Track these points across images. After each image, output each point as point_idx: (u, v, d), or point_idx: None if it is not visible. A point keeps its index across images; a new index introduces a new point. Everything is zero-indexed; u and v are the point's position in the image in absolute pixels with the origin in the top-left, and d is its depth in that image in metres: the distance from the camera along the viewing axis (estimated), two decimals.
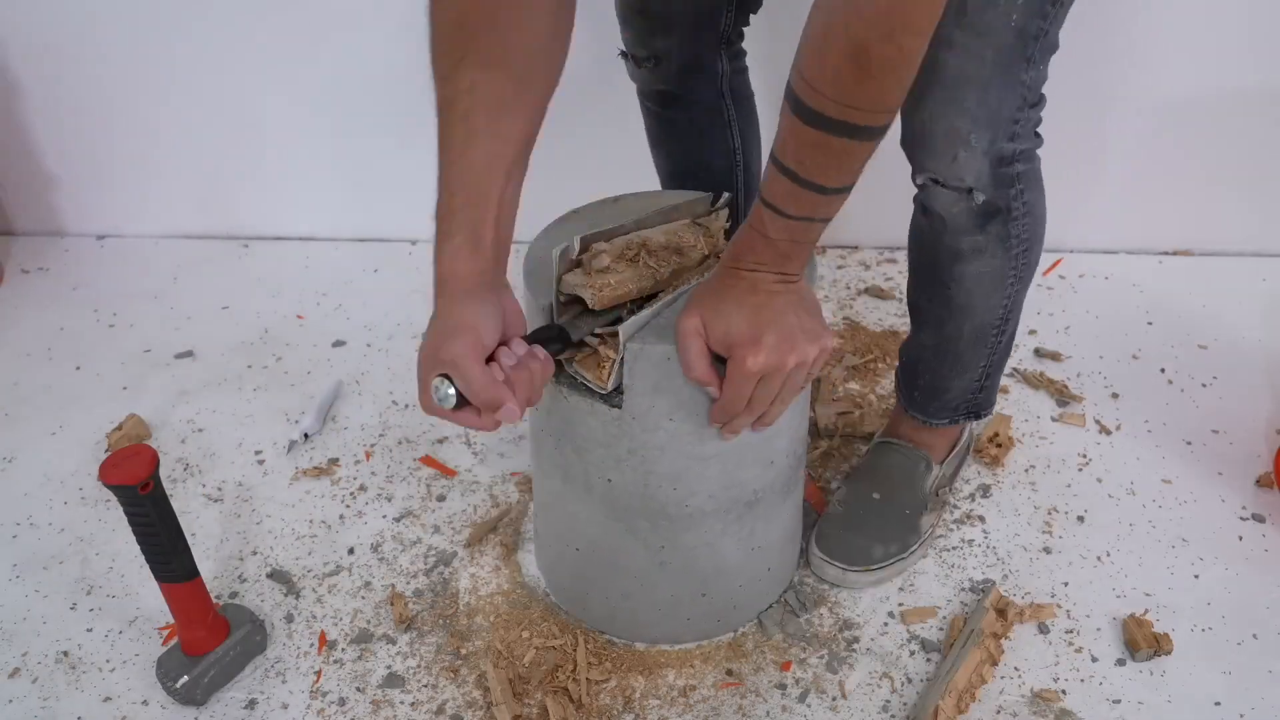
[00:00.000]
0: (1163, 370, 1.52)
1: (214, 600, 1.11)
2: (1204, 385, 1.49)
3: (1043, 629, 1.15)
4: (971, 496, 1.32)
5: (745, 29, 1.31)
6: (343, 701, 1.09)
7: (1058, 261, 1.76)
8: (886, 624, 1.16)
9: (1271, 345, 1.57)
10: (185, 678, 1.07)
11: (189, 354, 1.60)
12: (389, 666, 1.13)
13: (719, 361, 0.92)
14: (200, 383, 1.54)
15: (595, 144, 1.69)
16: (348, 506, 1.33)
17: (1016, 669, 1.11)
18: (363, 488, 1.36)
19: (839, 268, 1.77)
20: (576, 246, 0.97)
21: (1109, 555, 1.24)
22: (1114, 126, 1.67)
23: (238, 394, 1.52)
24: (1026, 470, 1.36)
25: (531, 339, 0.90)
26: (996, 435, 1.37)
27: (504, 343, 0.87)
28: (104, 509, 1.33)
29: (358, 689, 1.11)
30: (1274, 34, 1.56)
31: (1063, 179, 1.72)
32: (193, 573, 1.06)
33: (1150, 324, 1.62)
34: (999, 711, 1.07)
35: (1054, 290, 1.70)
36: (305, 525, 1.30)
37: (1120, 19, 1.57)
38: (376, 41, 1.67)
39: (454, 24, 0.85)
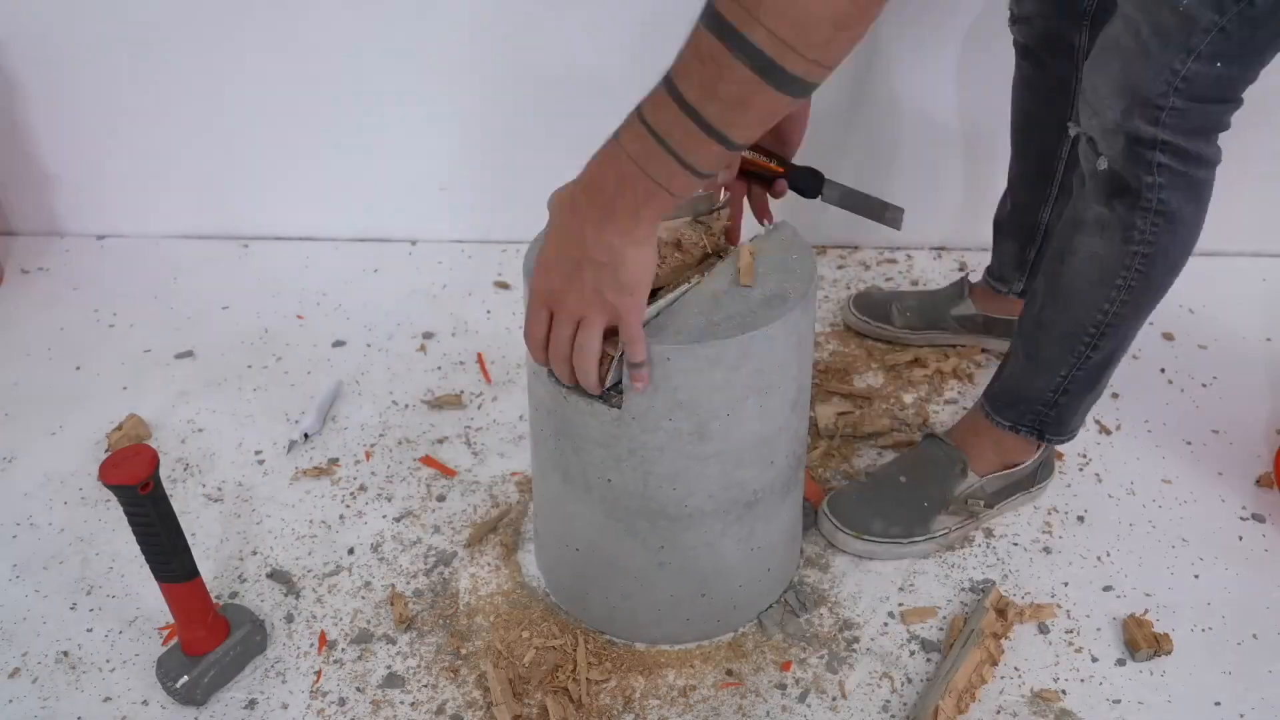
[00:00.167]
0: (1163, 370, 1.52)
1: (214, 600, 1.11)
2: (1204, 385, 1.49)
3: (1043, 629, 1.15)
4: None
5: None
6: (343, 701, 1.09)
7: None
8: (886, 624, 1.16)
9: (1271, 345, 1.57)
10: (185, 678, 1.07)
11: (189, 354, 1.60)
12: (389, 666, 1.13)
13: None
14: (200, 383, 1.54)
15: (595, 143, 1.69)
16: (348, 506, 1.33)
17: (1016, 669, 1.11)
18: (363, 488, 1.36)
19: (839, 268, 1.77)
20: None
21: (1109, 555, 1.24)
22: None
23: (238, 394, 1.52)
24: None
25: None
26: None
27: None
28: (104, 509, 1.33)
29: (358, 689, 1.11)
30: None
31: None
32: (193, 573, 1.06)
33: (1150, 324, 1.61)
34: (999, 711, 1.07)
35: None
36: (305, 525, 1.30)
37: None
38: (377, 41, 1.67)
39: None
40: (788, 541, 1.17)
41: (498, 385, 1.52)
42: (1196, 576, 1.21)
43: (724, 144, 0.74)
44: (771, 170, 1.06)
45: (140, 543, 1.02)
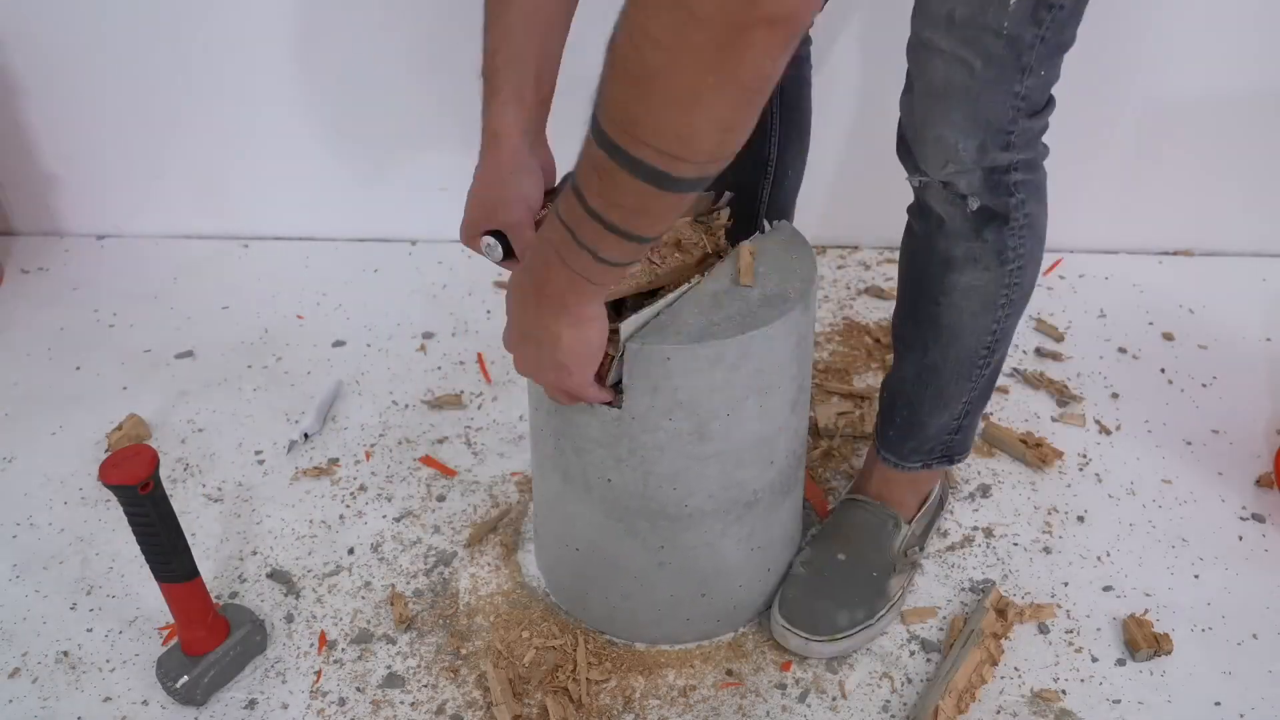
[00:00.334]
0: (1163, 370, 1.52)
1: (214, 600, 1.11)
2: (1204, 385, 1.49)
3: (1043, 629, 1.15)
4: (971, 496, 1.32)
5: (810, 38, 1.27)
6: (343, 701, 1.09)
7: (1058, 261, 1.76)
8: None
9: (1271, 345, 1.57)
10: (185, 678, 1.07)
11: (189, 354, 1.60)
12: (389, 666, 1.13)
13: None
14: (200, 383, 1.54)
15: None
16: (348, 506, 1.33)
17: (1016, 669, 1.11)
18: (363, 488, 1.36)
19: (839, 268, 1.77)
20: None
21: (1109, 555, 1.24)
22: (1114, 126, 1.67)
23: (238, 394, 1.52)
24: (1026, 470, 1.36)
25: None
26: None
27: (545, 205, 0.95)
28: (104, 509, 1.33)
29: (358, 689, 1.11)
30: (1274, 34, 1.56)
31: (1063, 179, 1.72)
32: (193, 573, 1.06)
33: (1150, 324, 1.62)
34: (999, 711, 1.07)
35: (1054, 290, 1.70)
36: (305, 525, 1.30)
37: (1121, 19, 1.57)
38: (377, 41, 1.67)
39: None
40: (788, 541, 1.17)
41: (498, 385, 1.52)
42: (1196, 576, 1.21)
43: (633, 240, 0.75)
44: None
45: (140, 543, 1.02)
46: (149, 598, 1.20)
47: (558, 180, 1.00)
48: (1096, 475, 1.35)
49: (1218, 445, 1.39)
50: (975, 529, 1.27)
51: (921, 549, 1.23)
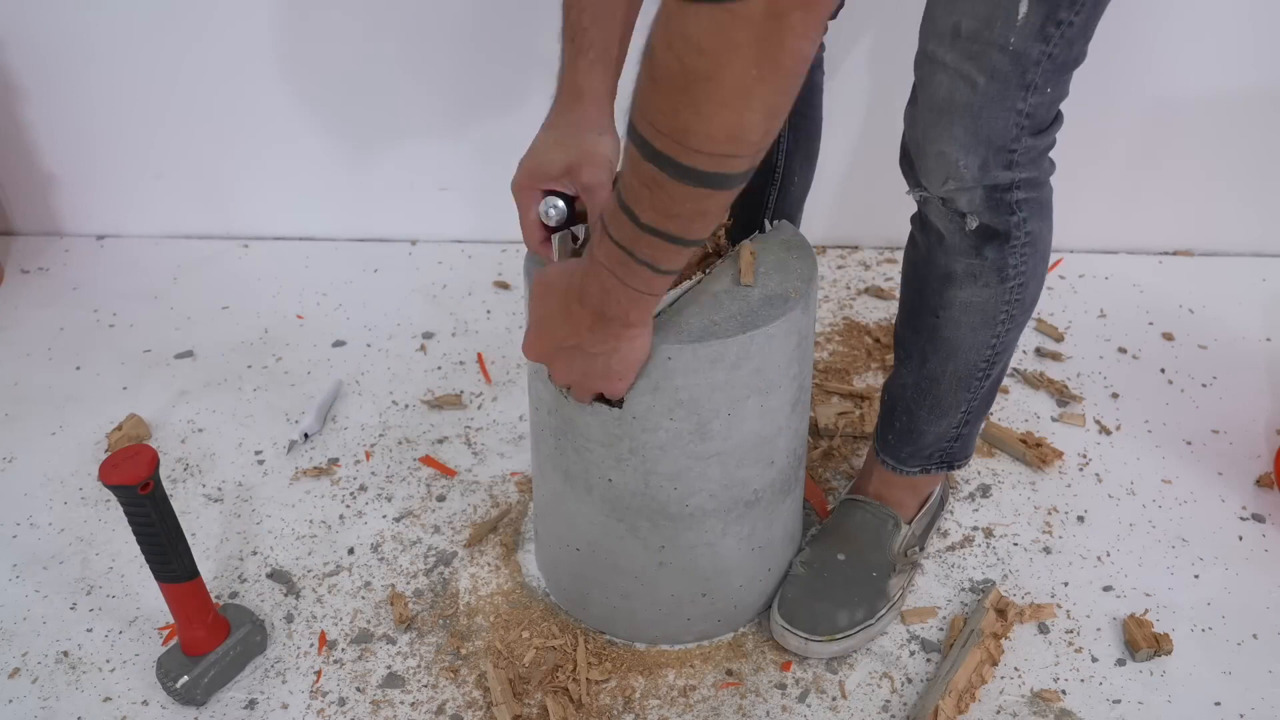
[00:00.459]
0: (1163, 370, 1.52)
1: (214, 600, 1.11)
2: (1204, 385, 1.49)
3: (1043, 629, 1.15)
4: (971, 496, 1.32)
5: (823, 44, 1.25)
6: (343, 702, 1.09)
7: (1058, 261, 1.76)
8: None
9: (1271, 345, 1.57)
10: (185, 678, 1.07)
11: (189, 354, 1.60)
12: (389, 666, 1.13)
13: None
14: (200, 383, 1.54)
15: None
16: (348, 506, 1.33)
17: (1016, 669, 1.11)
18: (363, 488, 1.36)
19: (839, 268, 1.77)
20: (581, 235, 0.97)
21: (1109, 555, 1.24)
22: (1114, 126, 1.67)
23: (238, 394, 1.52)
24: (1026, 470, 1.36)
25: None
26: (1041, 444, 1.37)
27: None
28: (104, 509, 1.33)
29: (358, 689, 1.11)
30: (1274, 34, 1.56)
31: (1063, 179, 1.72)
32: (193, 573, 1.06)
33: (1150, 324, 1.62)
34: (999, 711, 1.07)
35: (1054, 290, 1.70)
36: (305, 525, 1.30)
37: (1120, 19, 1.57)
38: (377, 41, 1.67)
39: None
40: (788, 541, 1.17)
41: (498, 385, 1.52)
42: (1196, 576, 1.21)
43: (691, 244, 0.77)
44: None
45: (140, 543, 1.02)
46: (149, 598, 1.20)
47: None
48: (1096, 475, 1.35)
49: (1218, 445, 1.39)
50: (975, 529, 1.28)
51: (922, 549, 1.23)
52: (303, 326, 1.66)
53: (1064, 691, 1.09)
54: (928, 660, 1.13)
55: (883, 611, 1.14)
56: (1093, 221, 1.76)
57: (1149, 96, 1.64)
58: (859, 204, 1.76)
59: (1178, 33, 1.57)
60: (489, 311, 1.68)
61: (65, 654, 1.15)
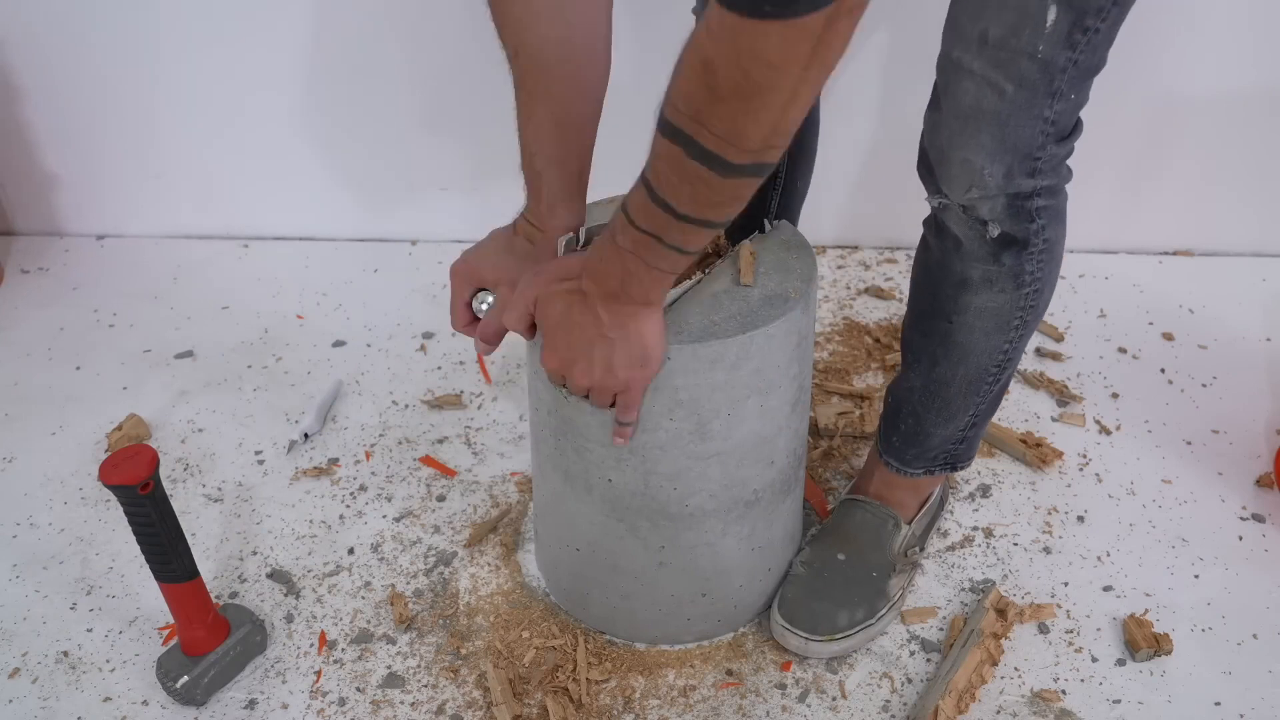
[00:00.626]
0: (1163, 370, 1.52)
1: (214, 600, 1.11)
2: (1204, 385, 1.49)
3: (1043, 629, 1.15)
4: (971, 496, 1.32)
5: None
6: (343, 702, 1.09)
7: None
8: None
9: (1271, 345, 1.57)
10: (185, 678, 1.07)
11: (189, 354, 1.60)
12: (389, 666, 1.13)
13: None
14: (200, 383, 1.54)
15: (597, 144, 1.69)
16: (348, 506, 1.33)
17: (1016, 669, 1.11)
18: (363, 488, 1.36)
19: (839, 268, 1.77)
20: (581, 236, 0.97)
21: (1109, 555, 1.24)
22: (1113, 126, 1.67)
23: (238, 394, 1.52)
24: (1026, 470, 1.36)
25: None
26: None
27: None
28: (104, 509, 1.33)
29: (358, 689, 1.11)
30: (1274, 34, 1.56)
31: None
32: (193, 573, 1.06)
33: (1150, 324, 1.62)
34: (999, 711, 1.07)
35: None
36: (305, 525, 1.30)
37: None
38: (377, 41, 1.67)
39: None
40: (788, 541, 1.17)
41: (498, 385, 1.52)
42: (1196, 576, 1.21)
43: (721, 226, 0.81)
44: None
45: (140, 543, 1.02)
46: (149, 598, 1.20)
47: None
48: (1096, 475, 1.35)
49: (1218, 445, 1.39)
50: (975, 529, 1.28)
51: (922, 549, 1.23)
52: (303, 326, 1.66)
53: (1064, 691, 1.09)
54: (928, 660, 1.13)
55: (883, 611, 1.14)
56: (1093, 221, 1.76)
57: (1149, 97, 1.63)
58: (859, 204, 1.76)
59: (1178, 33, 1.57)
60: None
61: (65, 654, 1.15)
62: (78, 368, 1.58)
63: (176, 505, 1.05)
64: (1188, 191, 1.72)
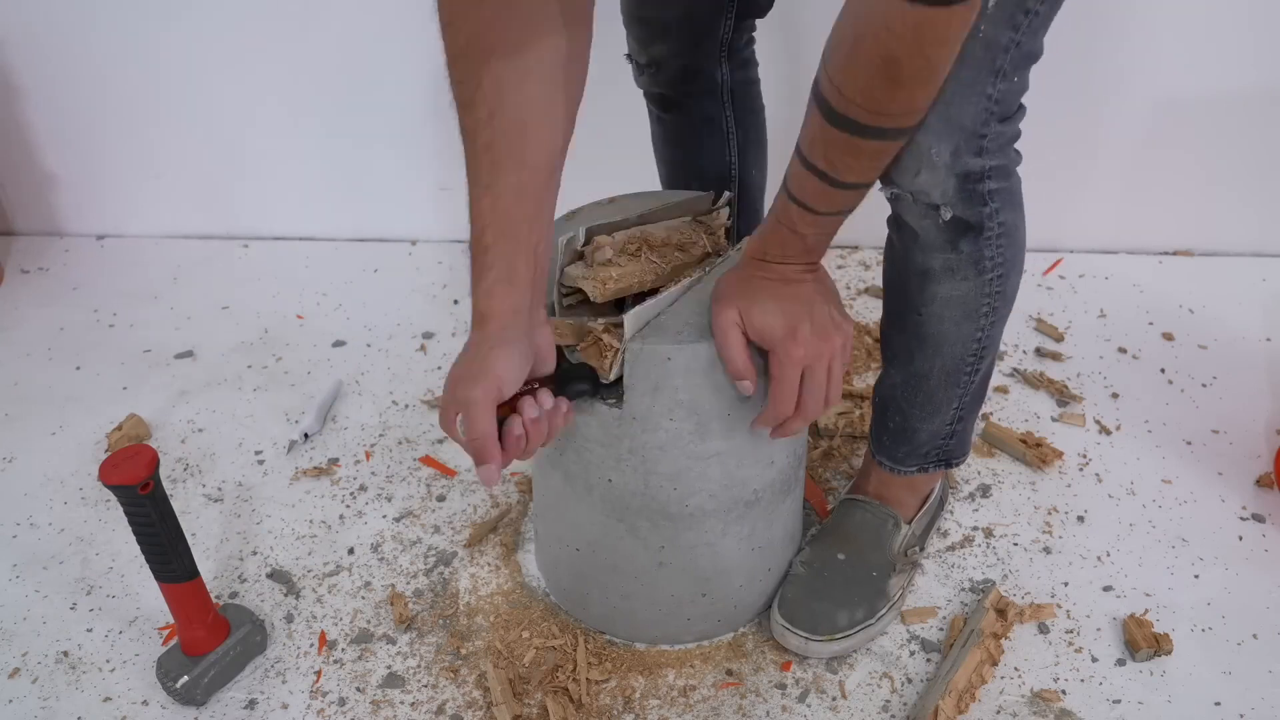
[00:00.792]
0: (1163, 370, 1.52)
1: (214, 600, 1.11)
2: (1204, 385, 1.49)
3: (1043, 629, 1.15)
4: (971, 496, 1.32)
5: (753, 39, 1.29)
6: (343, 702, 1.09)
7: (1058, 261, 1.76)
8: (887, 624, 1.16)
9: (1271, 345, 1.57)
10: (185, 678, 1.07)
11: (189, 354, 1.60)
12: (389, 666, 1.13)
13: (759, 354, 0.94)
14: (200, 383, 1.54)
15: (595, 144, 1.69)
16: (348, 506, 1.33)
17: (1016, 669, 1.11)
18: (363, 488, 1.36)
19: (839, 268, 1.77)
20: (581, 237, 0.97)
21: (1109, 555, 1.24)
22: (1113, 126, 1.67)
23: (238, 394, 1.52)
24: (1026, 470, 1.36)
25: (562, 378, 0.92)
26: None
27: (533, 387, 0.89)
28: (104, 509, 1.33)
29: (358, 689, 1.11)
30: (1274, 34, 1.56)
31: (1062, 179, 1.73)
32: (193, 573, 1.06)
33: (1150, 324, 1.62)
34: (999, 711, 1.07)
35: (1054, 290, 1.70)
36: (305, 525, 1.30)
37: (1119, 19, 1.57)
38: (377, 42, 1.67)
39: (465, 49, 0.82)
40: (788, 541, 1.17)
41: None
42: (1196, 576, 1.21)
43: (868, 187, 0.89)
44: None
45: (140, 543, 1.02)
46: (149, 598, 1.20)
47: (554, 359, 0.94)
48: (1096, 475, 1.35)
49: (1218, 445, 1.39)
50: (975, 529, 1.28)
51: (922, 549, 1.23)
52: (303, 326, 1.66)
53: (1064, 691, 1.09)
54: (928, 660, 1.13)
55: (883, 611, 1.14)
56: (1093, 221, 1.76)
57: (1149, 96, 1.64)
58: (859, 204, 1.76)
59: (1178, 33, 1.57)
60: None
61: (65, 654, 1.15)
62: (78, 368, 1.58)
63: (176, 505, 1.05)
64: (1188, 191, 1.72)
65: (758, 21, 1.28)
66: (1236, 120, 1.64)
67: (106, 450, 1.42)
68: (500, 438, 0.86)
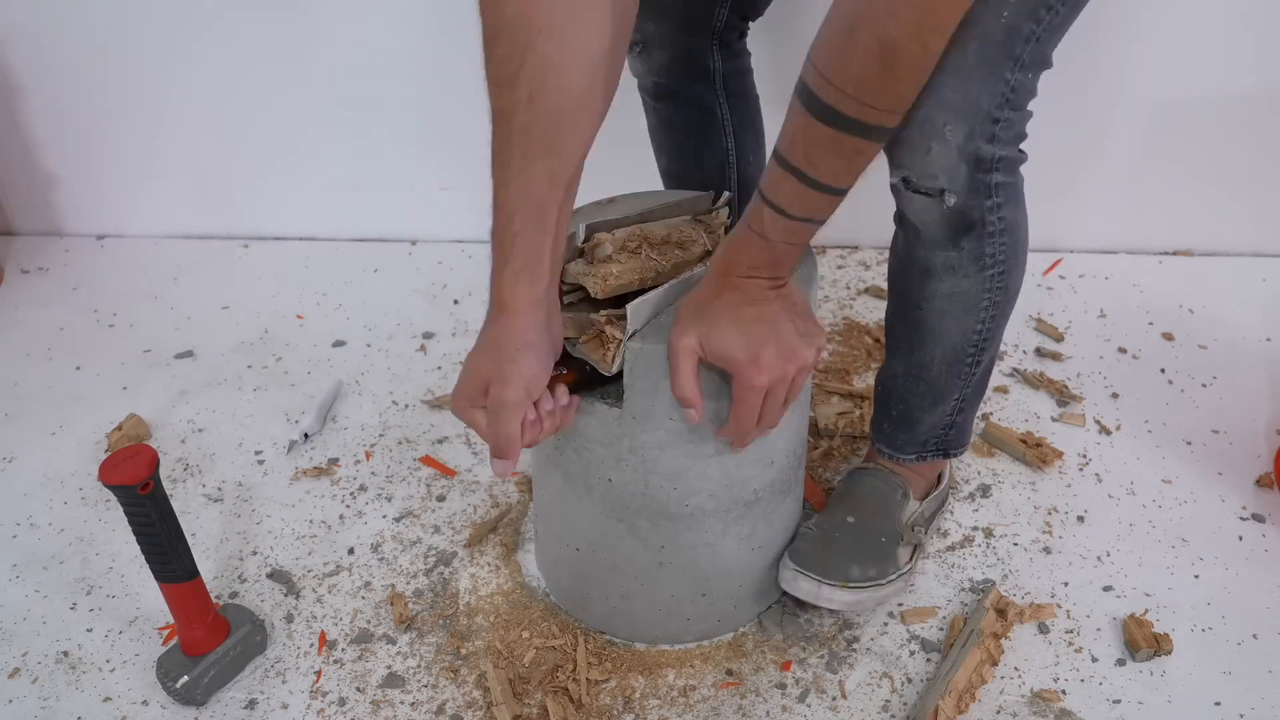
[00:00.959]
0: (1163, 370, 1.52)
1: (214, 600, 1.11)
2: (1204, 385, 1.49)
3: (1043, 629, 1.15)
4: (971, 496, 1.32)
5: (746, 29, 1.30)
6: (343, 702, 1.09)
7: (1058, 261, 1.76)
8: (886, 624, 1.16)
9: (1271, 345, 1.57)
10: (185, 678, 1.07)
11: (189, 354, 1.60)
12: (389, 666, 1.13)
13: (719, 375, 0.92)
14: (200, 383, 1.54)
15: (595, 144, 1.69)
16: (348, 506, 1.33)
17: (1016, 669, 1.11)
18: (363, 488, 1.36)
19: (839, 268, 1.77)
20: (582, 234, 0.97)
21: (1109, 555, 1.24)
22: (1113, 127, 1.67)
23: (238, 394, 1.52)
24: (1026, 470, 1.36)
25: (574, 372, 0.95)
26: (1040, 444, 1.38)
27: (556, 373, 0.92)
28: (104, 509, 1.33)
29: (358, 689, 1.11)
30: (1274, 34, 1.56)
31: (1063, 179, 1.73)
32: (193, 573, 1.06)
33: (1150, 324, 1.62)
34: (999, 711, 1.07)
35: (1054, 290, 1.70)
36: (305, 525, 1.30)
37: (1119, 18, 1.57)
38: (377, 41, 1.67)
39: (511, 24, 0.79)
40: (788, 541, 1.17)
41: None
42: (1196, 576, 1.21)
43: (842, 195, 0.87)
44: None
45: (140, 543, 1.02)
46: (149, 598, 1.20)
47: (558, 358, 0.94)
48: (1096, 475, 1.35)
49: (1218, 445, 1.39)
50: (975, 529, 1.28)
51: (926, 533, 1.23)
52: (303, 326, 1.66)
53: (1064, 691, 1.09)
54: (928, 660, 1.13)
55: (893, 576, 1.14)
56: (1093, 221, 1.76)
57: (1149, 96, 1.64)
58: (859, 204, 1.75)
59: (1178, 33, 1.57)
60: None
61: (65, 654, 1.15)
62: (78, 368, 1.58)
63: (176, 505, 1.05)
64: (1188, 191, 1.72)
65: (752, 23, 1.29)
66: (1236, 120, 1.64)
67: (106, 450, 1.42)
68: None
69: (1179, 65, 1.60)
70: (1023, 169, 1.00)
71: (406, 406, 1.49)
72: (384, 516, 1.31)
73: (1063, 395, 1.47)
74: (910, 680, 1.11)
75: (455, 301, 1.71)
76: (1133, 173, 1.71)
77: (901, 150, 0.96)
